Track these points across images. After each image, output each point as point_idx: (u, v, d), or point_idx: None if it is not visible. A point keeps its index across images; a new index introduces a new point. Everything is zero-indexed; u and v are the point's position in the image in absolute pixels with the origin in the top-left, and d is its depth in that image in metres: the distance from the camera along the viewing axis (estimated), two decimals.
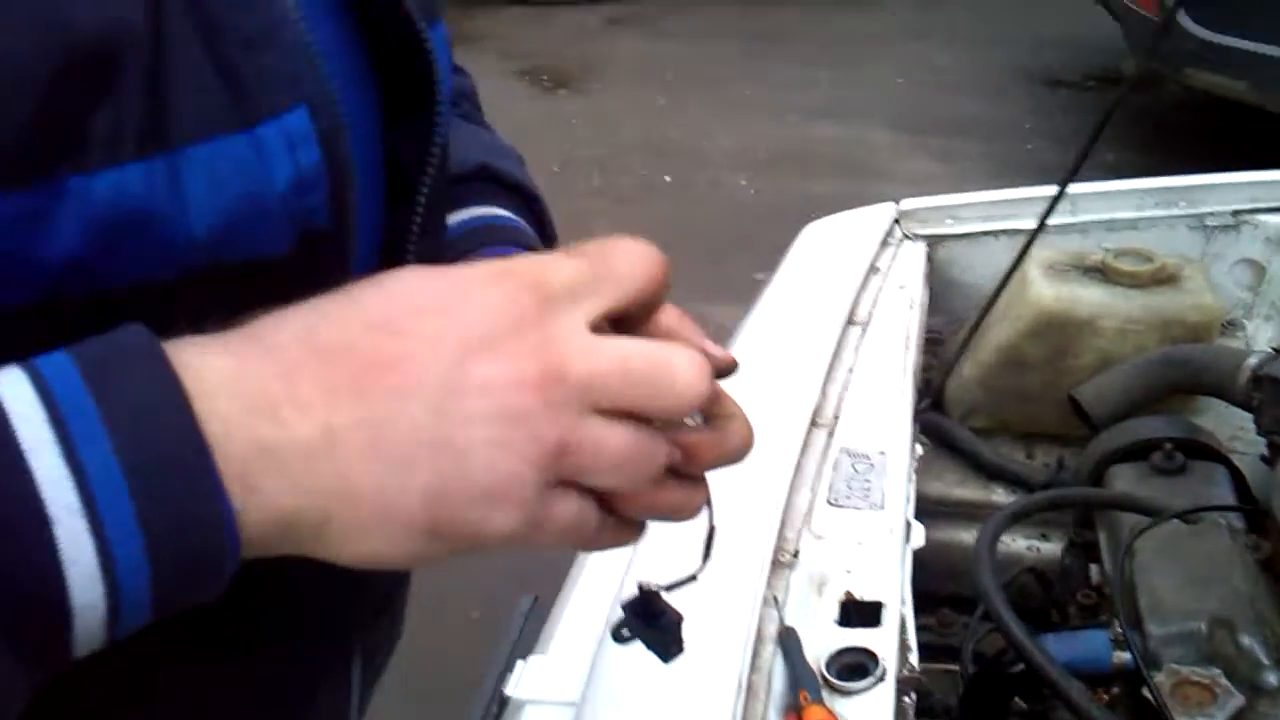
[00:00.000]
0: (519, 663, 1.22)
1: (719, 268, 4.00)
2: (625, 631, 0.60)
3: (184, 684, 0.59)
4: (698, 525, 0.58)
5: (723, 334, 1.64)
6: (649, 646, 0.60)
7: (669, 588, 0.60)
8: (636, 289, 0.50)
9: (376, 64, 0.63)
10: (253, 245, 0.52)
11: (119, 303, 0.48)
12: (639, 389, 0.47)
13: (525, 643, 1.34)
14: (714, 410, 0.54)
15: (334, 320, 0.46)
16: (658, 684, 1.05)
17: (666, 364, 0.48)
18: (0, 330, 0.45)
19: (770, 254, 1.87)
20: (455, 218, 0.77)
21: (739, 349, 1.55)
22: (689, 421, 0.53)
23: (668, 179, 5.28)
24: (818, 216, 1.93)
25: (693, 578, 0.59)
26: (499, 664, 1.29)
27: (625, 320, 0.52)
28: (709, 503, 0.56)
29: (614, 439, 0.47)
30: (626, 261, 0.51)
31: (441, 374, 0.45)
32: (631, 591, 0.61)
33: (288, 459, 0.44)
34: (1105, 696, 1.12)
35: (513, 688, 1.18)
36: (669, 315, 0.55)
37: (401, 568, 0.49)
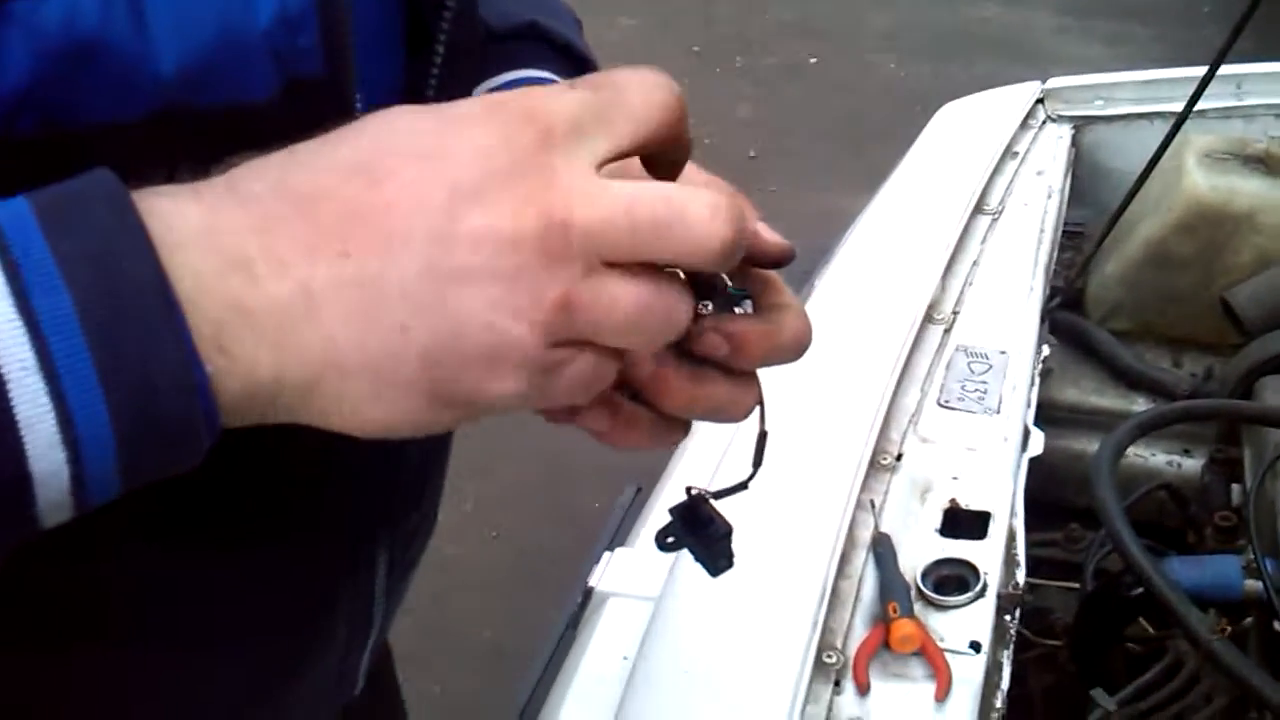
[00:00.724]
0: (605, 554, 1.19)
1: (860, 157, 3.84)
2: (670, 539, 0.55)
3: (197, 582, 0.56)
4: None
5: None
6: (695, 557, 0.55)
7: (717, 495, 0.55)
8: (652, 126, 0.44)
9: None
10: (230, 88, 0.47)
11: (83, 145, 0.44)
12: (648, 235, 0.42)
13: (622, 534, 1.31)
14: (766, 299, 0.48)
15: (312, 167, 0.42)
16: (737, 584, 1.00)
17: (680, 207, 0.42)
18: None
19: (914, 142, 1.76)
20: (491, 81, 0.71)
21: (855, 238, 1.45)
22: (737, 310, 0.48)
23: (813, 61, 5.09)
24: None
25: (743, 486, 0.54)
26: (592, 556, 1.27)
27: (647, 167, 0.47)
28: (761, 404, 0.51)
29: (626, 293, 0.42)
30: (640, 93, 0.44)
31: (428, 226, 0.41)
32: (681, 497, 0.56)
33: (264, 320, 0.40)
34: (1228, 627, 1.03)
35: (597, 579, 1.15)
36: (698, 178, 0.48)
37: (408, 435, 0.44)
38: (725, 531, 0.54)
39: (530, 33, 0.73)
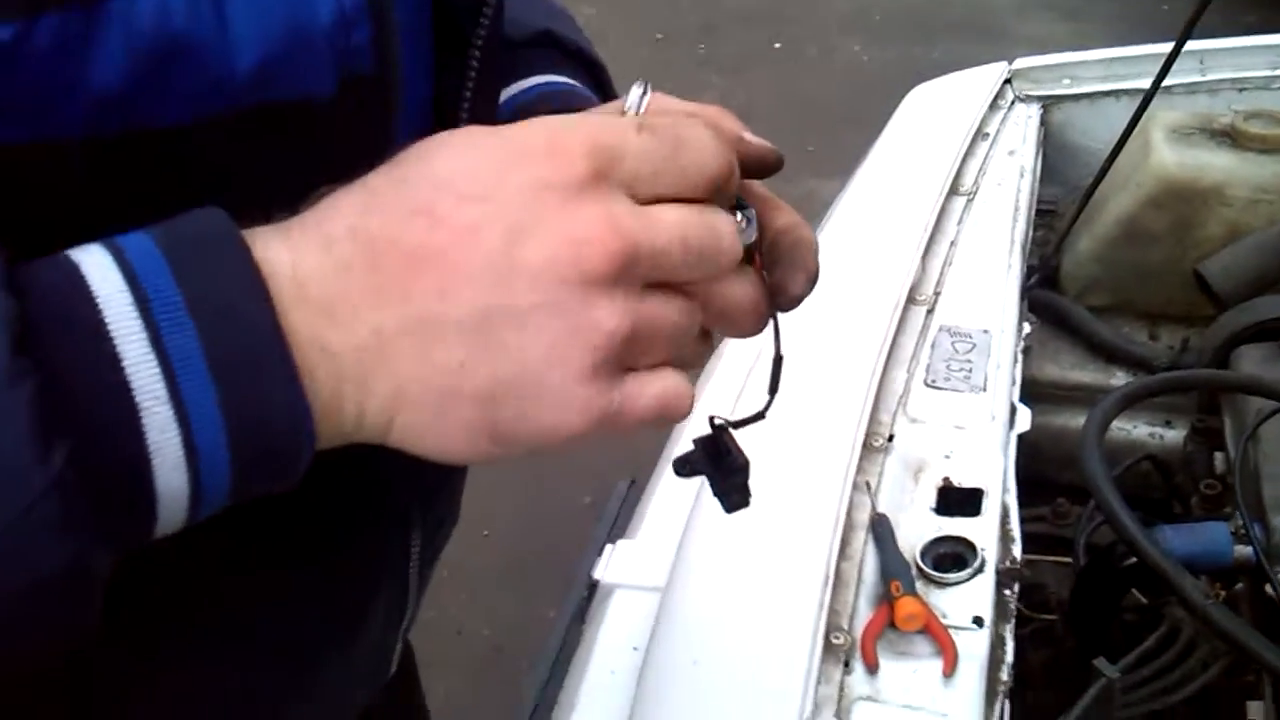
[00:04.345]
0: (608, 547, 1.20)
1: (831, 141, 3.86)
2: (688, 466, 0.56)
3: (256, 569, 0.59)
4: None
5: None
6: (713, 489, 0.56)
7: (737, 424, 0.55)
8: (700, 190, 0.46)
9: None
10: (296, 85, 0.49)
11: (163, 144, 0.46)
12: (695, 262, 0.45)
13: (620, 525, 1.33)
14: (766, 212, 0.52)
15: (381, 207, 0.44)
16: (743, 570, 1.02)
17: (717, 230, 0.46)
18: (40, 167, 0.44)
19: (885, 124, 1.78)
20: (515, 87, 0.73)
21: (834, 223, 1.47)
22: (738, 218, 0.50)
23: (777, 46, 5.11)
24: None
25: (761, 415, 0.55)
26: (592, 549, 1.28)
27: None
28: (776, 329, 0.53)
29: (669, 316, 0.45)
30: (698, 156, 0.46)
31: (484, 267, 0.43)
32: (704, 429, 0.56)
33: (345, 362, 0.43)
34: (1223, 593, 1.05)
35: (602, 571, 1.16)
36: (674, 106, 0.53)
37: (475, 465, 0.48)
38: (743, 463, 0.55)
39: (545, 40, 0.76)
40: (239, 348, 0.41)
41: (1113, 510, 1.04)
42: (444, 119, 0.60)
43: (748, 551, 1.03)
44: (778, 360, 0.55)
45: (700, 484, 1.11)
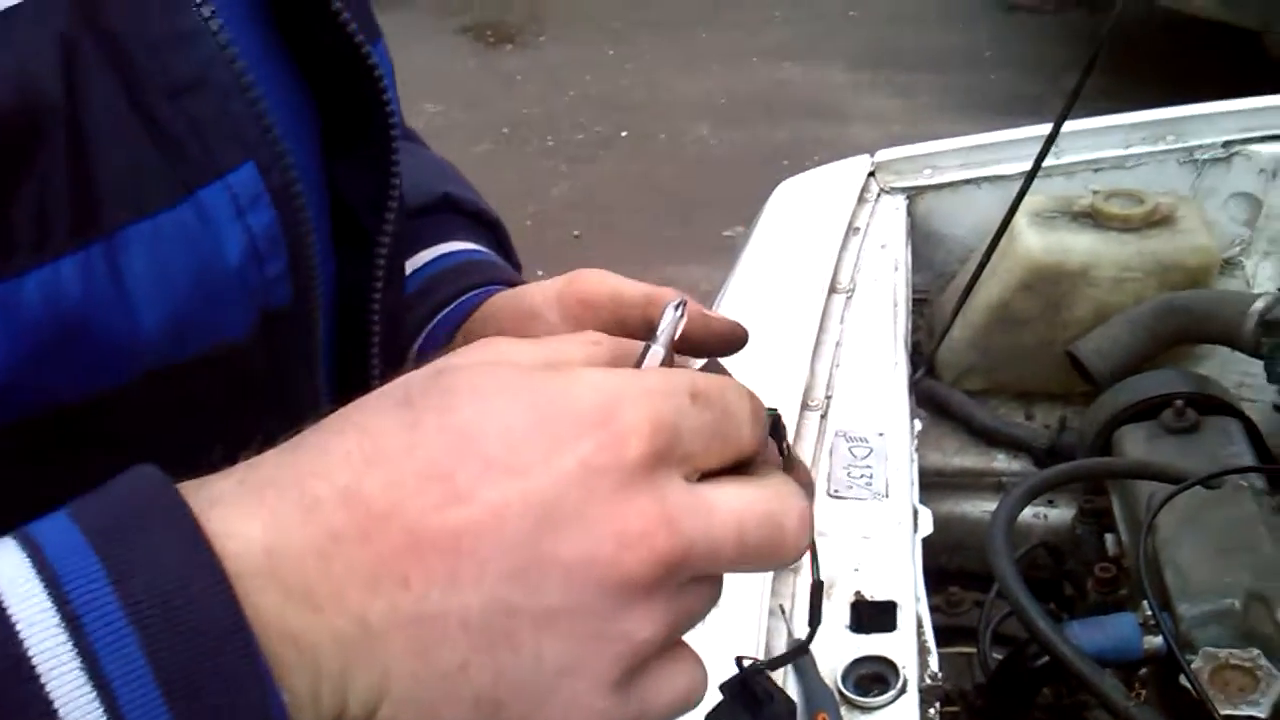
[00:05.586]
0: None
1: (686, 226, 3.90)
2: None
3: None
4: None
5: (700, 299, 1.55)
6: None
7: (772, 665, 0.48)
8: (745, 453, 0.41)
9: (313, 91, 0.54)
10: (209, 335, 0.44)
11: (68, 421, 0.41)
12: (752, 556, 0.39)
13: None
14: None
15: (386, 462, 0.37)
16: None
17: (780, 523, 0.39)
18: None
19: (738, 207, 1.79)
20: (420, 258, 0.69)
21: None
22: None
23: (624, 134, 5.15)
24: (782, 164, 1.85)
25: (804, 648, 0.50)
26: None
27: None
28: (814, 552, 0.46)
29: (704, 609, 0.39)
30: (744, 421, 0.40)
31: (508, 557, 0.36)
32: (729, 670, 0.49)
33: (322, 655, 0.36)
34: (1143, 692, 1.05)
35: None
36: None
37: None
38: (788, 710, 0.48)
39: (444, 205, 0.72)
40: (194, 655, 0.33)
41: (1029, 615, 1.03)
42: (351, 323, 0.56)
43: None
44: (817, 585, 0.48)
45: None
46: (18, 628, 0.32)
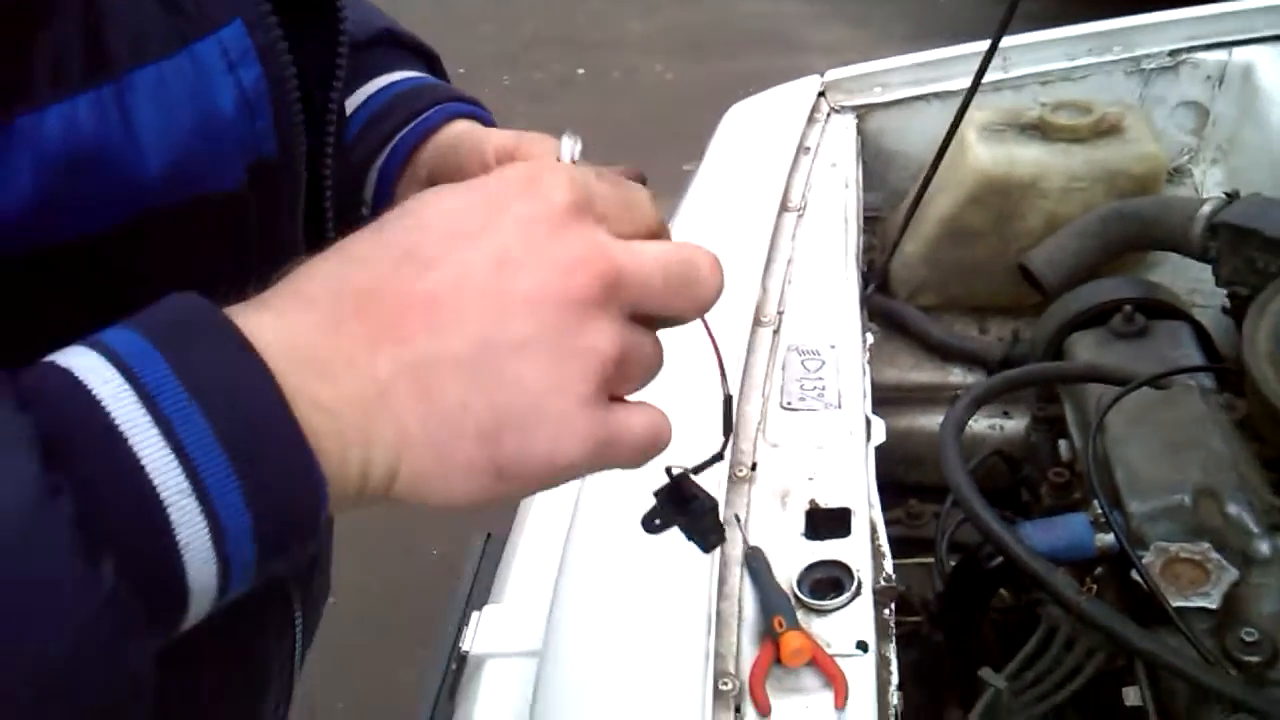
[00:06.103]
0: (474, 614, 1.14)
1: (646, 162, 3.83)
2: (658, 520, 0.57)
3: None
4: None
5: None
6: (686, 535, 0.57)
7: (696, 470, 0.56)
8: (643, 230, 0.48)
9: None
10: (208, 179, 0.49)
11: (80, 255, 0.46)
12: (676, 289, 0.46)
13: (481, 587, 1.27)
14: None
15: (363, 262, 0.44)
16: (620, 624, 0.98)
17: (694, 263, 0.47)
18: None
19: (696, 142, 1.78)
20: (369, 87, 0.75)
21: None
22: None
23: (581, 71, 5.11)
24: (738, 96, 1.83)
25: (719, 456, 0.56)
26: (454, 617, 1.22)
27: None
28: (721, 369, 0.54)
29: (647, 346, 0.47)
30: (642, 204, 0.49)
31: (479, 301, 0.43)
32: (660, 479, 0.57)
33: (346, 419, 0.42)
34: (1094, 586, 1.06)
35: (470, 642, 1.11)
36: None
37: (483, 507, 0.46)
38: (711, 505, 0.56)
39: (385, 38, 0.78)
40: (249, 425, 0.39)
41: (980, 517, 1.04)
42: (312, 172, 0.60)
43: (623, 604, 0.99)
44: (728, 400, 0.56)
45: (565, 534, 1.07)
46: (106, 407, 0.38)
